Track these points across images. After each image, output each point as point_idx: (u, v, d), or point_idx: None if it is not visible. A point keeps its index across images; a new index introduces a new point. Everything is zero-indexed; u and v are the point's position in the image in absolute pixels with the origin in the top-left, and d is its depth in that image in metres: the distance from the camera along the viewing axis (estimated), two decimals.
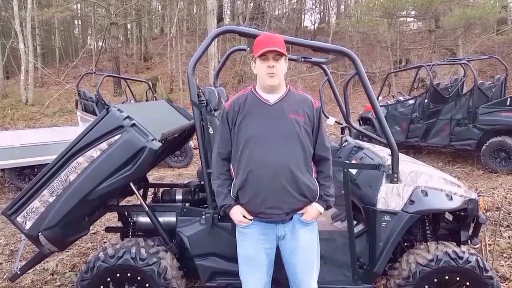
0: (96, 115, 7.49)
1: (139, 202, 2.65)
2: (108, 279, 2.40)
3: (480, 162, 7.08)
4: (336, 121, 4.37)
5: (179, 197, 2.99)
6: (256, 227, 2.01)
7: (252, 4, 22.06)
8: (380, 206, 2.41)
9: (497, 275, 2.98)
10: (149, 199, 3.33)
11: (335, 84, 3.67)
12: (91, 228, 3.02)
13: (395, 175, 2.38)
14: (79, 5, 23.28)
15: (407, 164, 2.64)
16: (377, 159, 2.66)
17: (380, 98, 8.76)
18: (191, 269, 2.58)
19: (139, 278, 2.39)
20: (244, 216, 1.99)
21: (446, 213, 2.74)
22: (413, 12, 17.50)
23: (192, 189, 2.99)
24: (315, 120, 2.01)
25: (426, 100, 7.82)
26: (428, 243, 2.45)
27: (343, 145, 3.53)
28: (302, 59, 2.72)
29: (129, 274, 2.40)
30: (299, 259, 2.03)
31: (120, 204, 2.93)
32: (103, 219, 4.50)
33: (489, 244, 3.26)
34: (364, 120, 8.93)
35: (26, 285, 3.25)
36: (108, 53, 20.73)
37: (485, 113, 6.93)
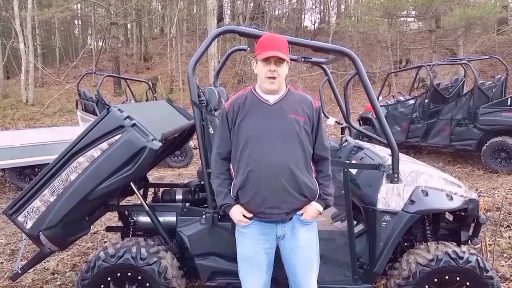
0: (96, 115, 7.50)
1: (139, 202, 2.65)
2: (109, 279, 2.40)
3: (481, 162, 7.08)
4: (336, 121, 4.37)
5: (179, 197, 3.00)
6: (255, 227, 2.01)
7: (252, 4, 22.06)
8: (380, 206, 2.41)
9: (497, 275, 2.98)
10: (149, 199, 3.33)
11: (335, 84, 3.67)
12: (91, 227, 3.02)
13: (396, 175, 2.38)
14: (79, 5, 23.28)
15: (408, 164, 2.64)
16: (377, 159, 2.66)
17: (380, 98, 8.76)
18: (191, 268, 2.58)
19: (139, 277, 2.40)
20: (244, 216, 1.99)
21: (447, 213, 2.74)
22: (413, 12, 17.50)
23: (192, 189, 2.99)
24: (314, 120, 2.02)
25: (426, 100, 7.82)
26: (428, 243, 2.46)
27: (343, 145, 3.54)
28: (302, 59, 2.73)
29: (129, 274, 2.40)
30: (299, 259, 2.03)
31: (121, 203, 2.94)
32: (103, 219, 4.51)
33: (490, 244, 3.26)
34: (364, 120, 8.93)
35: (27, 285, 3.26)
36: (108, 53, 20.75)
37: (486, 113, 6.92)
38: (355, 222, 2.66)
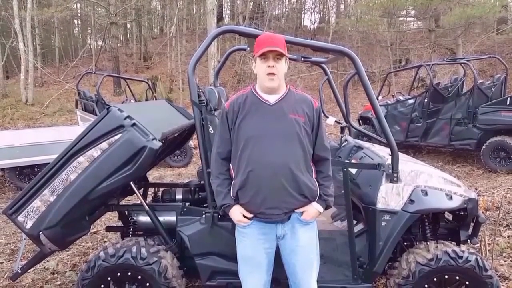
0: (96, 115, 7.49)
1: (139, 202, 2.65)
2: (109, 278, 2.41)
3: (480, 162, 7.08)
4: (335, 121, 4.38)
5: (179, 196, 3.00)
6: (255, 227, 2.01)
7: (251, 4, 22.06)
8: (380, 205, 2.41)
9: (497, 274, 2.99)
10: (149, 198, 3.33)
11: (335, 83, 3.67)
12: (91, 227, 3.02)
13: (395, 175, 2.39)
14: (78, 4, 23.27)
15: (407, 163, 2.64)
16: (377, 159, 2.67)
17: (380, 97, 8.76)
18: (191, 268, 2.58)
19: (139, 277, 2.40)
20: (244, 216, 1.99)
21: (446, 212, 2.75)
22: (413, 12, 17.50)
23: (192, 188, 3.00)
24: (314, 120, 2.02)
25: (426, 100, 7.83)
26: (428, 243, 2.46)
27: (343, 144, 3.54)
28: (302, 59, 2.73)
29: (129, 273, 2.40)
30: (299, 259, 2.03)
31: (121, 203, 2.94)
32: (103, 219, 4.51)
33: (489, 244, 3.27)
34: (363, 120, 8.93)
35: (27, 284, 3.26)
36: (107, 52, 20.73)
37: (485, 112, 6.93)
38: (354, 222, 2.66)
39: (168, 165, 8.12)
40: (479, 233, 2.78)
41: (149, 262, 2.38)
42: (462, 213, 2.59)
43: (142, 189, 3.38)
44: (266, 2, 22.51)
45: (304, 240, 2.03)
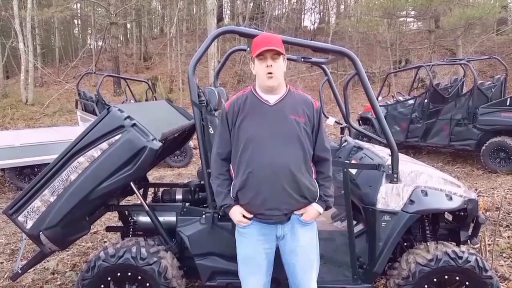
0: (96, 115, 7.50)
1: (139, 202, 2.65)
2: (109, 278, 2.41)
3: (480, 162, 7.08)
4: (335, 121, 4.38)
5: (179, 196, 3.00)
6: (255, 227, 2.01)
7: (251, 4, 22.07)
8: (380, 206, 2.41)
9: (497, 275, 2.99)
10: (149, 198, 3.33)
11: (335, 84, 3.67)
12: (91, 227, 3.02)
13: (395, 175, 2.39)
14: (79, 4, 23.29)
15: (407, 164, 2.64)
16: (377, 159, 2.67)
17: (379, 98, 8.77)
18: (191, 268, 2.58)
19: (139, 277, 2.40)
20: (244, 216, 1.99)
21: (446, 213, 2.75)
22: (412, 12, 17.51)
23: (192, 188, 2.99)
24: (315, 121, 2.01)
25: (425, 100, 7.83)
26: (428, 243, 2.46)
27: (342, 145, 3.54)
28: (302, 59, 2.73)
29: (129, 274, 2.40)
30: (299, 259, 2.03)
31: (121, 203, 2.94)
32: (103, 219, 4.51)
33: (489, 244, 3.27)
34: (363, 120, 8.93)
35: (27, 284, 3.26)
36: (108, 53, 20.73)
37: (485, 113, 6.93)
38: (354, 222, 2.66)
39: (168, 165, 8.12)
40: (479, 234, 2.78)
41: (149, 262, 2.38)
42: (462, 214, 2.59)
43: (142, 189, 3.38)
44: (266, 3, 22.52)
45: (304, 240, 2.03)
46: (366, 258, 2.52)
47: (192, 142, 7.99)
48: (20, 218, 2.40)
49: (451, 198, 2.47)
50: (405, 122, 8.15)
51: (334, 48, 2.44)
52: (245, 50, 3.10)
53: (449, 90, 7.87)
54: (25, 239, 2.81)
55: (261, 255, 2.02)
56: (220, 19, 20.13)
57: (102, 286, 2.41)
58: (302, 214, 2.00)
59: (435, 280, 2.34)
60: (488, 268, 2.33)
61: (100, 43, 22.63)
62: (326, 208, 2.06)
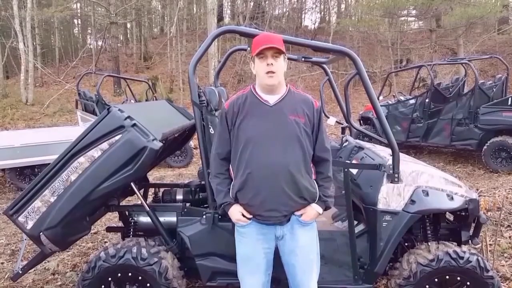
0: (96, 115, 7.50)
1: (139, 202, 2.65)
2: (109, 279, 2.40)
3: (481, 162, 7.07)
4: (336, 121, 4.37)
5: (179, 197, 2.99)
6: (254, 227, 2.00)
7: (252, 4, 22.07)
8: (381, 206, 2.41)
9: (498, 275, 2.99)
10: (149, 199, 3.33)
11: (336, 83, 3.67)
12: (92, 228, 3.02)
13: (396, 175, 2.38)
14: (78, 4, 23.33)
15: (408, 164, 2.63)
16: (378, 159, 2.66)
17: (381, 97, 8.75)
18: (192, 269, 2.58)
19: (140, 277, 2.40)
20: (243, 215, 1.98)
21: (447, 213, 2.74)
22: (414, 12, 17.51)
23: (193, 189, 2.99)
24: (315, 121, 2.00)
25: (427, 100, 7.81)
26: (429, 243, 2.45)
27: (343, 145, 3.53)
28: (303, 59, 2.72)
29: (130, 274, 2.40)
30: (298, 260, 2.02)
31: (121, 204, 2.93)
32: (104, 219, 4.51)
33: (490, 244, 3.26)
34: (364, 120, 8.93)
35: (28, 285, 3.26)
36: (108, 52, 20.73)
37: (486, 113, 6.92)
38: (355, 222, 2.66)
39: (169, 166, 8.12)
40: (480, 234, 2.77)
41: (150, 262, 2.38)
42: (463, 214, 2.58)
43: (143, 189, 3.38)
44: (267, 2, 22.51)
45: (304, 241, 2.02)
46: (367, 258, 2.52)
47: (193, 142, 7.99)
48: (21, 219, 2.39)
49: (452, 198, 2.46)
50: (406, 121, 8.14)
51: (335, 48, 2.43)
52: (245, 49, 3.09)
53: (450, 89, 7.85)
54: (25, 239, 2.80)
55: (260, 254, 2.01)
56: (220, 18, 20.13)
57: (103, 286, 2.41)
58: (301, 215, 1.99)
59: (436, 280, 2.34)
60: (490, 268, 2.32)
61: (100, 43, 22.64)
62: (326, 208, 2.05)
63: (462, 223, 2.68)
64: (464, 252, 2.33)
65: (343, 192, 2.49)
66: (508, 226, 4.15)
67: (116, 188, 2.34)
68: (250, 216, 1.98)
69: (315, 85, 16.01)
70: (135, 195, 2.64)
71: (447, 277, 2.33)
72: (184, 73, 16.45)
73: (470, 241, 2.67)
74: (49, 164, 2.39)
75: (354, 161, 3.03)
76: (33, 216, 2.37)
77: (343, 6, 25.03)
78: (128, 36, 26.19)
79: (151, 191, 3.39)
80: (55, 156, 2.37)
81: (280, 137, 1.91)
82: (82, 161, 2.31)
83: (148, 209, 2.59)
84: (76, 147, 2.32)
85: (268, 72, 1.89)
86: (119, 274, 2.40)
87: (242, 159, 1.94)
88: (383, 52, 17.23)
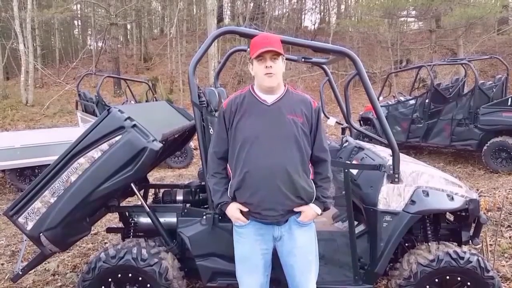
0: (96, 116, 7.50)
1: (140, 203, 2.65)
2: (110, 280, 2.40)
3: (481, 163, 7.07)
4: (336, 122, 4.36)
5: (180, 197, 2.99)
6: (252, 227, 2.00)
7: (252, 4, 22.08)
8: (381, 206, 2.41)
9: (498, 275, 2.98)
10: (150, 199, 3.33)
11: (336, 84, 3.67)
12: (92, 228, 3.02)
13: (396, 176, 2.38)
14: (78, 5, 23.32)
15: (408, 164, 2.63)
16: (378, 160, 2.66)
17: (380, 98, 8.76)
18: (192, 269, 2.58)
19: (140, 278, 2.40)
20: (242, 212, 1.97)
21: (447, 213, 2.74)
22: (413, 12, 17.51)
23: (193, 189, 2.99)
24: (313, 121, 2.00)
25: (427, 100, 7.82)
26: (429, 243, 2.45)
27: (343, 145, 3.53)
28: (303, 60, 2.72)
29: (130, 275, 2.40)
30: (297, 260, 2.02)
31: (121, 204, 2.93)
32: (104, 220, 4.51)
33: (490, 244, 3.26)
34: (364, 120, 8.92)
35: (28, 286, 3.26)
36: (108, 53, 20.75)
37: (486, 113, 6.92)
38: (356, 223, 2.65)
39: (169, 166, 8.12)
40: (481, 234, 2.77)
41: (150, 263, 2.38)
42: (464, 214, 2.58)
43: (143, 190, 3.37)
44: (267, 3, 22.52)
45: (302, 241, 2.01)
46: (368, 259, 2.52)
47: (193, 143, 7.99)
48: (21, 220, 2.39)
49: (452, 198, 2.46)
50: (406, 122, 8.14)
51: (334, 48, 2.43)
52: (245, 50, 3.09)
53: (450, 90, 7.86)
54: (25, 240, 2.80)
55: (258, 255, 2.01)
56: (220, 19, 20.13)
57: (103, 287, 2.41)
58: (300, 213, 1.98)
59: (436, 280, 2.34)
60: (490, 268, 2.32)
61: (100, 44, 22.66)
62: (324, 209, 2.05)
63: (462, 223, 2.68)
64: (465, 252, 2.33)
65: (344, 192, 2.49)
66: (509, 226, 4.15)
67: (116, 188, 2.34)
68: (247, 210, 1.97)
69: (315, 85, 16.02)
70: (135, 195, 2.64)
71: (448, 277, 2.33)
72: (184, 74, 16.45)
73: (470, 241, 2.67)
74: (49, 165, 2.39)
75: (354, 162, 3.03)
76: (33, 217, 2.37)
77: (343, 6, 25.06)
78: (128, 37, 26.22)
79: (151, 191, 3.39)
80: (55, 157, 2.38)
81: (277, 137, 1.91)
82: (82, 162, 2.31)
83: (148, 209, 2.59)
84: (76, 148, 2.32)
85: (266, 73, 1.90)
86: (119, 275, 2.40)
87: (239, 158, 1.94)
88: (383, 53, 17.23)
